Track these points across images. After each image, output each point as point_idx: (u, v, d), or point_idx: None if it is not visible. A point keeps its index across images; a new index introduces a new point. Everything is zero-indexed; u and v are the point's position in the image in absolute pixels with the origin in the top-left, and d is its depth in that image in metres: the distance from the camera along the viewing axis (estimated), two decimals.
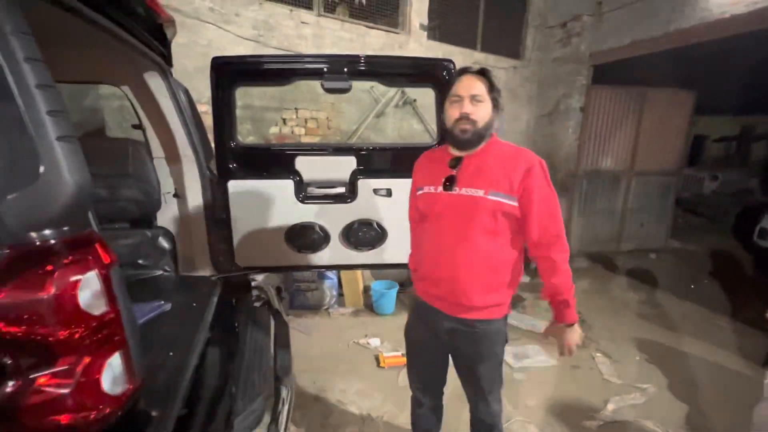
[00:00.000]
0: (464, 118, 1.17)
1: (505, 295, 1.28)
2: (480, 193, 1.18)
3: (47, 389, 0.64)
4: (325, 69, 1.73)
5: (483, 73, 1.20)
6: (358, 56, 1.76)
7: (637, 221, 5.47)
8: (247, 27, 3.36)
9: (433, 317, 1.34)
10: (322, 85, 1.76)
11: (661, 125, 5.19)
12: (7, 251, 0.62)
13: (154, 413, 0.90)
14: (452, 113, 1.21)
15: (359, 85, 3.86)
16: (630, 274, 4.51)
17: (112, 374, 0.70)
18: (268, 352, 1.67)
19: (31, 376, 0.63)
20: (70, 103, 2.85)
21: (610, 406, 2.19)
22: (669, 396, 2.33)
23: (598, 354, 2.75)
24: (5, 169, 0.60)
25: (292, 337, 1.83)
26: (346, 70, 1.72)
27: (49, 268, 0.63)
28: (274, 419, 1.34)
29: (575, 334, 1.28)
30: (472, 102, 1.17)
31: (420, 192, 1.34)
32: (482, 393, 1.38)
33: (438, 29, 4.74)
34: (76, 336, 0.65)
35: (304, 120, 3.79)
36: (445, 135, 1.29)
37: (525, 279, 4.23)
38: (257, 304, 2.17)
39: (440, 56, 4.49)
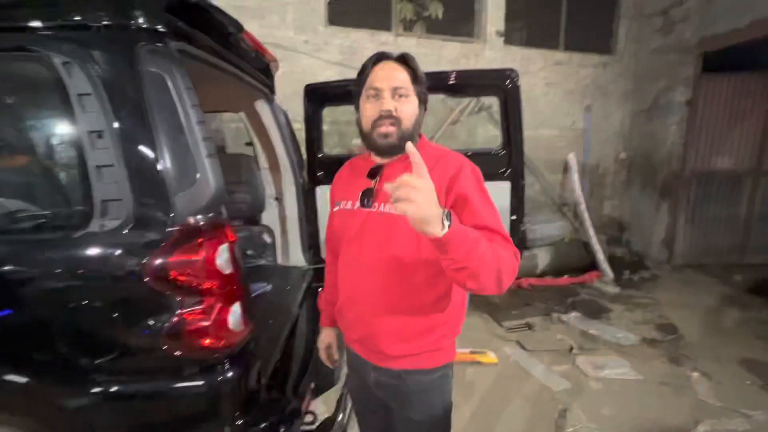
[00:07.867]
0: (386, 116, 0.93)
1: (440, 338, 0.98)
2: None
3: (196, 321, 0.97)
4: None
5: (405, 61, 0.96)
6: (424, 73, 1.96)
7: None
8: (335, 53, 3.82)
9: (361, 366, 1.07)
10: None
11: None
12: (178, 228, 0.96)
13: (260, 355, 1.21)
14: (369, 111, 0.95)
15: (433, 97, 4.05)
16: (754, 291, 3.83)
17: (235, 317, 1.02)
18: None
19: (188, 311, 0.97)
20: None
21: (702, 428, 1.99)
22: None
23: (694, 373, 2.48)
24: (179, 176, 0.94)
25: None
26: None
27: (200, 240, 0.96)
28: (347, 384, 1.59)
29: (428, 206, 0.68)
30: (395, 96, 0.93)
31: (336, 209, 1.07)
32: None
33: (519, 32, 4.70)
34: (214, 286, 0.97)
35: None
36: (365, 141, 1.00)
37: (614, 290, 3.92)
38: None
39: (518, 60, 4.45)
